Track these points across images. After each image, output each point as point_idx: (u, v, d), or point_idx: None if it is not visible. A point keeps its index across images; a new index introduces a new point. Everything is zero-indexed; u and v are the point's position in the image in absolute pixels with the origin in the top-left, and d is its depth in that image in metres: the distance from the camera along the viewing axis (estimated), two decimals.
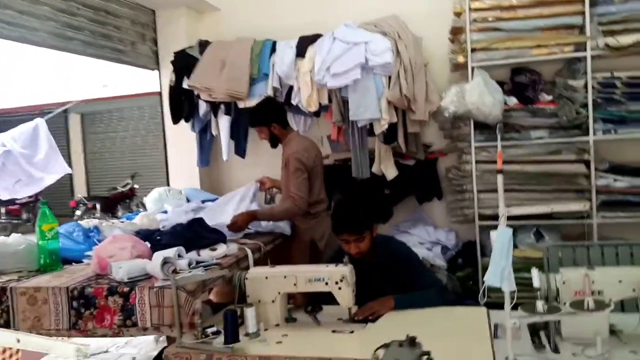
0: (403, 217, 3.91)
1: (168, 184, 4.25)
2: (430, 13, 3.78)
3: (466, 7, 3.39)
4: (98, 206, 9.67)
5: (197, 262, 2.14)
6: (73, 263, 2.43)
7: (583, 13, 3.24)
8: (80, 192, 11.14)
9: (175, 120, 3.88)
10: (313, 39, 3.50)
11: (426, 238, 3.68)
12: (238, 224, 2.71)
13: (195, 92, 3.63)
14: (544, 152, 3.42)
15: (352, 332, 1.93)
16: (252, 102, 3.53)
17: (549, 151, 3.42)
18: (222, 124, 3.76)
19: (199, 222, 2.55)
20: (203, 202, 3.35)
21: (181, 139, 4.18)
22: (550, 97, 3.39)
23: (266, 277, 2.03)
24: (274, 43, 3.59)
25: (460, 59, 3.47)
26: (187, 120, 3.83)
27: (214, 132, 3.83)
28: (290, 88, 3.51)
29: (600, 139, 3.31)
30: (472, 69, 3.42)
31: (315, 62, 3.37)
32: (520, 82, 3.42)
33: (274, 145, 3.02)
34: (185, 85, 3.64)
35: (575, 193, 3.39)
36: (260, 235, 2.81)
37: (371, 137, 3.55)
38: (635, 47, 3.17)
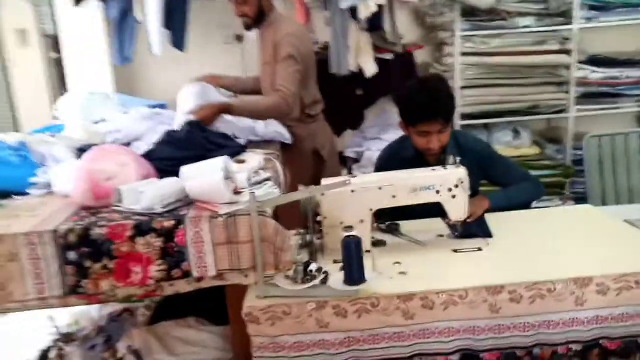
0: (369, 122, 3.46)
1: (64, 88, 3.22)
2: None
3: None
4: None
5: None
6: (13, 196, 1.57)
7: None
8: None
9: (79, 1, 2.83)
10: None
11: None
12: (202, 120, 1.88)
13: None
14: (530, 42, 3.18)
15: (479, 249, 1.49)
16: None
17: (535, 41, 3.19)
18: (152, 6, 2.82)
19: (200, 126, 1.81)
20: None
21: (81, 28, 3.13)
22: None
23: (353, 191, 1.47)
24: None
25: None
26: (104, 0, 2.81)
27: (138, 18, 2.87)
28: None
29: (584, 27, 3.15)
30: None
31: None
32: None
33: (251, 26, 2.28)
34: None
35: (555, 86, 3.25)
36: (259, 145, 2.14)
37: None
38: None
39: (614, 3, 3.13)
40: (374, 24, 2.90)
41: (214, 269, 1.26)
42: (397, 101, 1.80)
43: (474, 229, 1.56)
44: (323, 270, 1.30)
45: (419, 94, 1.69)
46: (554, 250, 1.43)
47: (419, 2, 2.98)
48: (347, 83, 3.18)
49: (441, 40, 3.20)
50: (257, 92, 2.41)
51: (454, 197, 1.50)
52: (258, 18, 2.25)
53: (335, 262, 1.45)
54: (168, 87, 3.31)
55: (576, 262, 1.34)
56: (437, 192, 1.49)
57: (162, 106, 2.61)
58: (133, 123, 2.14)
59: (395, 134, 3.36)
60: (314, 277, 1.26)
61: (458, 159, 1.52)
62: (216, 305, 1.61)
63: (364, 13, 2.78)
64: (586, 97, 3.26)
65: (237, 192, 1.30)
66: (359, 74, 3.11)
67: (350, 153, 3.30)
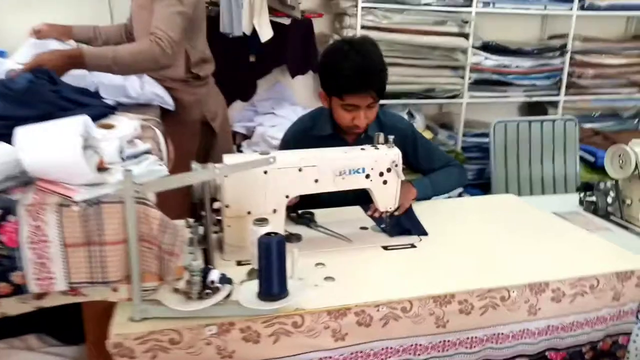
0: (261, 94, 3.10)
1: None
2: None
3: None
4: None
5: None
6: None
7: None
8: None
9: None
10: None
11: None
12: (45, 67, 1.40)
13: None
14: (430, 21, 3.05)
15: (412, 245, 1.25)
16: None
17: (435, 21, 3.07)
18: None
19: (49, 75, 1.33)
20: None
21: None
22: None
23: (265, 172, 1.13)
24: None
25: None
26: None
27: None
28: None
29: (481, 11, 3.10)
30: None
31: None
32: None
33: None
34: None
35: (451, 70, 3.18)
36: (131, 110, 1.68)
37: None
38: None
39: None
40: None
41: (63, 281, 0.85)
42: (321, 66, 1.48)
43: (404, 223, 1.31)
44: (227, 279, 0.95)
45: (349, 59, 1.38)
46: (497, 249, 1.24)
47: None
48: (239, 47, 2.80)
49: (342, 9, 2.94)
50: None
51: (385, 182, 1.23)
52: None
53: (240, 263, 1.11)
54: (12, 33, 2.63)
55: (527, 264, 1.16)
56: (367, 176, 1.21)
57: (1, 54, 2.02)
58: None
59: (290, 109, 3.05)
60: (215, 291, 0.91)
61: (391, 138, 1.25)
62: (66, 317, 1.19)
63: None
64: (478, 84, 3.23)
65: (102, 168, 0.89)
66: (251, 38, 2.74)
67: (239, 128, 2.93)
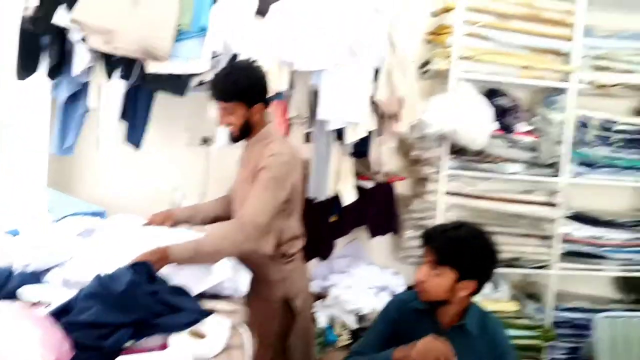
0: (337, 253, 3.05)
1: None
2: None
3: (458, 3, 2.78)
4: None
5: None
6: None
7: (571, 39, 2.91)
8: None
9: (24, 74, 2.38)
10: None
11: (372, 281, 2.90)
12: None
13: (79, 35, 2.24)
14: (517, 190, 3.00)
15: None
16: (170, 67, 2.31)
17: (522, 190, 3.00)
18: (112, 93, 2.42)
19: (149, 271, 1.33)
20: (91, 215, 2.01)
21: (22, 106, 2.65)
22: (528, 127, 2.97)
23: None
24: None
25: (443, 65, 2.83)
26: (52, 77, 2.37)
27: (90, 104, 2.44)
28: (234, 57, 2.40)
29: (571, 182, 3.00)
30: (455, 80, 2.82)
31: (281, 27, 2.35)
32: (502, 106, 2.94)
33: (238, 138, 1.91)
34: (61, 20, 2.21)
35: (539, 239, 3.03)
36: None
37: None
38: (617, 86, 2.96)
39: (601, 162, 3.03)
40: (359, 150, 2.61)
41: None
42: None
43: None
44: None
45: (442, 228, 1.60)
46: None
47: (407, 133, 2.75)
48: (320, 208, 2.83)
49: (425, 175, 2.95)
50: (223, 218, 1.98)
51: None
52: (244, 131, 1.88)
53: None
54: (110, 191, 2.82)
55: None
56: None
57: (101, 215, 2.14)
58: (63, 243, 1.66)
59: (366, 269, 2.97)
60: None
61: None
62: None
63: (351, 137, 2.49)
64: (570, 255, 3.04)
65: None
66: (333, 199, 2.77)
67: (314, 287, 2.86)
